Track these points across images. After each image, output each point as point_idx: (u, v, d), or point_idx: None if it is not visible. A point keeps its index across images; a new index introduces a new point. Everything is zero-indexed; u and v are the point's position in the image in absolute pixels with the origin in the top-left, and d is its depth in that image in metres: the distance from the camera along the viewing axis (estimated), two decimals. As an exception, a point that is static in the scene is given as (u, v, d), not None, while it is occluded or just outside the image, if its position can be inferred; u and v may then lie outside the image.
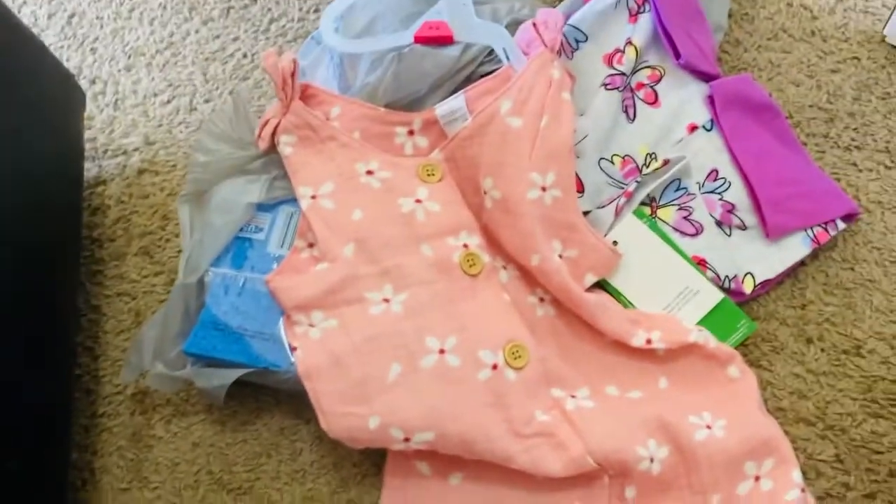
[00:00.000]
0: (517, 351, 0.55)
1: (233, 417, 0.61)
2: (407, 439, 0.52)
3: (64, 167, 0.65)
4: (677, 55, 0.60)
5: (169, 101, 0.73)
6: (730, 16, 0.68)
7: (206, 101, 0.72)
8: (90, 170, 0.72)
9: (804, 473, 0.54)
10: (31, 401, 0.54)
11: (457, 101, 0.58)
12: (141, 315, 0.65)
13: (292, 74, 0.58)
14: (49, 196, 0.61)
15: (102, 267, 0.67)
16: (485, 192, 0.57)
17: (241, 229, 0.59)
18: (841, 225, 0.59)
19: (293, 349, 0.54)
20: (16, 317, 0.54)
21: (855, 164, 0.63)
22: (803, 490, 0.52)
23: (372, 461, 0.59)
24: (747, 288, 0.59)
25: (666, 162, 0.58)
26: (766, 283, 0.59)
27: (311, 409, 0.60)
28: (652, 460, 0.53)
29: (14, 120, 0.56)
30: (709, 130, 0.60)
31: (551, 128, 0.56)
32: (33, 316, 0.55)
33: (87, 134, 0.72)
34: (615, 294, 0.59)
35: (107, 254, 0.68)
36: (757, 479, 0.53)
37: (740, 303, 0.59)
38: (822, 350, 0.58)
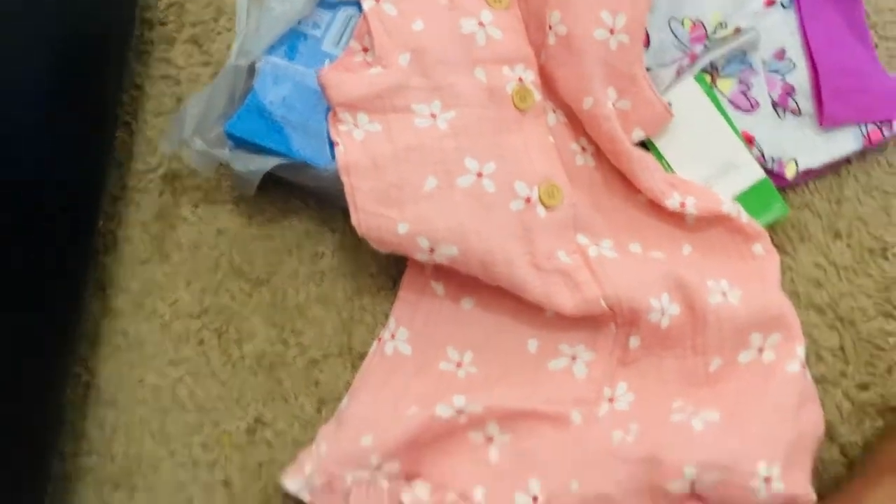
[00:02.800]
0: (552, 190, 0.56)
1: (260, 213, 0.62)
2: (432, 250, 0.53)
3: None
4: (770, -79, 0.58)
5: None
6: None
7: None
8: (146, -50, 0.70)
9: (806, 357, 0.55)
10: (76, 139, 0.54)
11: (539, -73, 0.56)
12: (183, 100, 0.65)
13: None
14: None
15: (150, 48, 0.67)
16: (549, 27, 0.56)
17: (299, 22, 0.59)
18: (896, 128, 0.59)
19: (335, 144, 0.54)
20: (69, 63, 0.54)
21: (922, 75, 0.62)
22: (803, 366, 0.53)
23: (388, 275, 0.60)
24: (789, 173, 0.58)
25: (737, 30, 0.57)
26: (808, 171, 0.59)
27: (336, 217, 0.62)
28: (663, 313, 0.54)
29: None
30: (786, 7, 0.59)
31: (632, -32, 0.54)
32: (87, 64, 0.55)
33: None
34: (657, 157, 0.58)
35: (156, 36, 0.67)
36: (760, 350, 0.54)
37: (779, 187, 0.59)
38: (849, 246, 0.59)
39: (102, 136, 0.61)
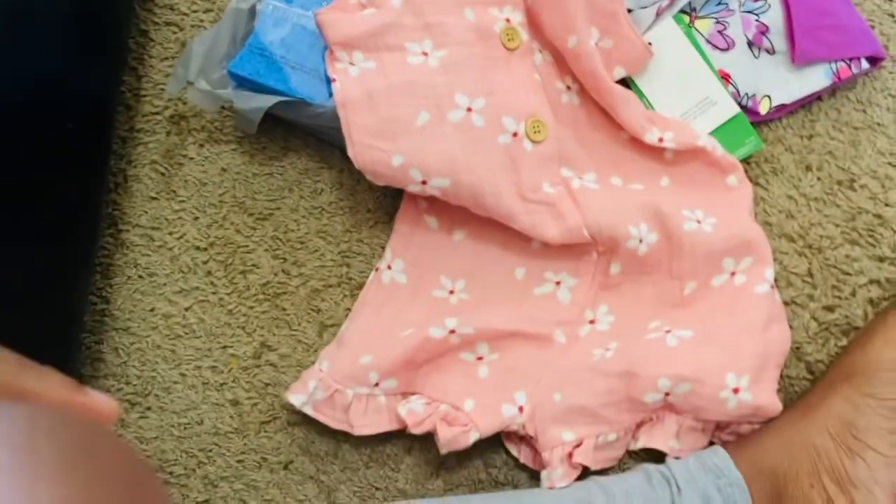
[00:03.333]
0: (537, 126, 0.59)
1: (261, 152, 0.66)
2: (424, 182, 0.57)
3: None
4: None
5: None
6: None
7: None
8: None
9: (776, 282, 0.59)
10: (88, 80, 0.58)
11: None
12: (187, 44, 0.68)
13: None
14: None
15: (153, -4, 0.70)
16: (535, -30, 0.59)
17: (297, -33, 0.61)
18: (864, 65, 0.61)
19: (332, 81, 0.57)
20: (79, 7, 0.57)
21: (892, 15, 0.64)
22: (772, 287, 0.57)
23: (384, 210, 0.64)
24: (763, 108, 0.62)
25: (714, -29, 0.60)
26: (781, 107, 0.62)
27: (334, 156, 0.65)
28: (641, 241, 0.58)
29: None
30: (761, -50, 0.62)
31: (613, -88, 0.57)
32: (98, 10, 0.58)
33: None
34: (638, 94, 0.62)
35: (159, -17, 0.70)
36: (732, 274, 0.58)
37: (753, 122, 0.62)
38: (819, 179, 0.62)
39: (112, 78, 0.64)
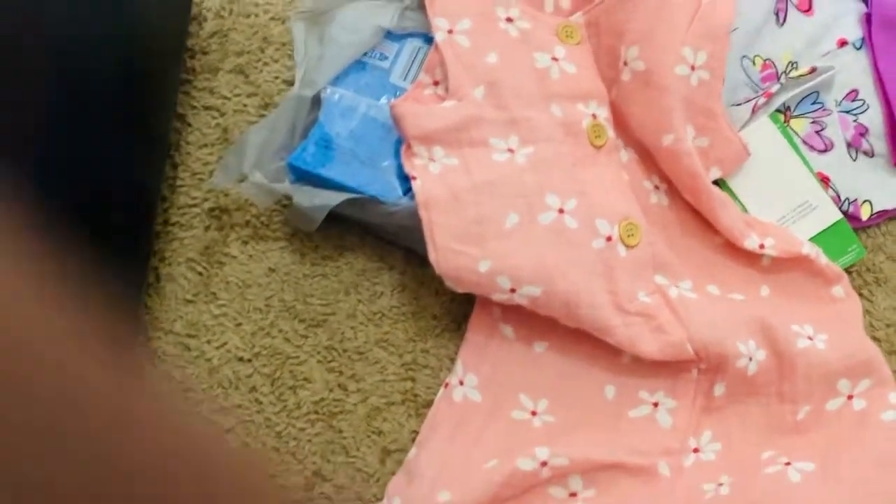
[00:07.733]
0: (631, 229, 0.54)
1: (314, 251, 0.59)
2: (513, 290, 0.51)
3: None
4: (844, -37, 0.58)
5: (283, -76, 0.69)
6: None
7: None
8: (189, -23, 0.68)
9: (890, 404, 0.54)
10: (130, 167, 0.51)
11: (617, -38, 0.56)
12: (228, 132, 0.62)
13: None
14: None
15: (192, 77, 0.64)
16: (625, 63, 0.55)
17: (365, 54, 0.56)
18: (969, 170, 0.58)
19: (412, 178, 0.51)
20: (125, 91, 0.51)
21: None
22: (899, 413, 0.51)
23: (452, 317, 0.57)
24: (864, 214, 0.58)
25: (813, 70, 0.57)
26: (882, 213, 0.58)
27: (395, 255, 0.59)
28: (750, 359, 0.52)
29: None
30: (858, 49, 0.59)
31: (713, 5, 0.53)
32: (140, 93, 0.52)
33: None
34: (732, 197, 0.57)
35: (198, 65, 0.64)
36: (850, 397, 0.52)
37: (853, 229, 0.57)
38: (925, 290, 0.58)
39: (157, 149, 0.58)
